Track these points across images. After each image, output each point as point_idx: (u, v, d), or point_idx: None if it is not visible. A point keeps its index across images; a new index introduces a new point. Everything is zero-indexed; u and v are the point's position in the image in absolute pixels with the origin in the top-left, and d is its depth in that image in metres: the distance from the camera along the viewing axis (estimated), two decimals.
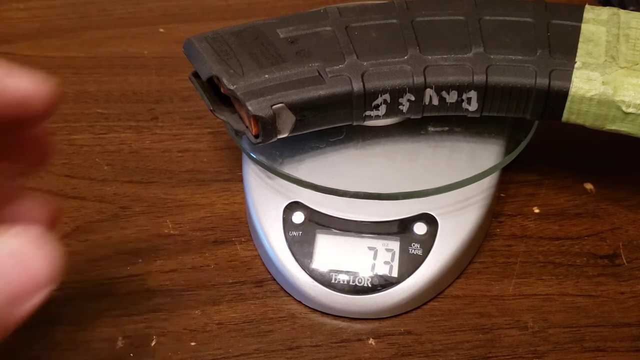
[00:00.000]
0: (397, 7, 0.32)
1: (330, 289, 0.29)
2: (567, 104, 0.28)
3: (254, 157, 0.32)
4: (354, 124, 0.30)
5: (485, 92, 0.29)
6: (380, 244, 0.30)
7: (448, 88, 0.29)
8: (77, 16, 0.46)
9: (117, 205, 0.34)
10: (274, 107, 0.28)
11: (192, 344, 0.29)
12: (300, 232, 0.30)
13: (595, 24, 0.30)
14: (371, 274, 0.29)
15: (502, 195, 0.34)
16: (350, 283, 0.29)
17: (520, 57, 0.29)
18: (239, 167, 0.35)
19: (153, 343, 0.29)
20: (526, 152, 0.32)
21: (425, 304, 0.30)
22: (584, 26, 0.30)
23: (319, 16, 0.32)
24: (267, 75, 0.29)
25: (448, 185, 0.30)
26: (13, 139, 0.21)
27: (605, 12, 0.31)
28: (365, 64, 0.29)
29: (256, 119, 0.28)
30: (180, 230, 0.33)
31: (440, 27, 0.31)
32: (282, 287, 0.31)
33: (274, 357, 0.29)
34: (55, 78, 0.20)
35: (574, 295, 0.30)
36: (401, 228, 0.30)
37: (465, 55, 0.30)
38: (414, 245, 0.30)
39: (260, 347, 0.29)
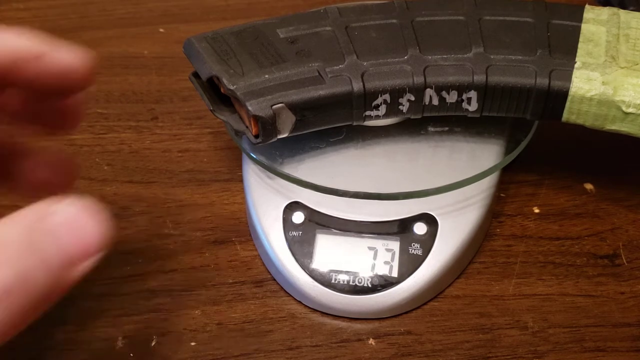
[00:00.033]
0: (397, 7, 0.32)
1: (330, 289, 0.29)
2: (567, 104, 0.28)
3: (254, 157, 0.32)
4: (354, 124, 0.30)
5: (485, 92, 0.29)
6: (380, 244, 0.30)
7: (448, 88, 0.29)
8: (77, 16, 0.46)
9: (117, 205, 0.34)
10: (274, 107, 0.28)
11: (192, 344, 0.29)
12: (300, 232, 0.30)
13: (595, 24, 0.30)
14: (371, 274, 0.29)
15: (502, 195, 0.34)
16: (350, 283, 0.29)
17: (520, 57, 0.29)
18: (239, 167, 0.35)
19: (153, 343, 0.29)
20: (526, 152, 0.32)
21: (425, 304, 0.30)
22: (584, 26, 0.30)
23: (319, 16, 0.32)
24: (267, 75, 0.29)
25: (448, 185, 0.30)
26: (50, 105, 0.23)
27: (605, 12, 0.31)
28: (365, 64, 0.29)
29: (256, 119, 0.28)
30: (180, 230, 0.33)
31: (440, 27, 0.31)
32: (282, 287, 0.31)
33: (274, 357, 0.29)
34: (92, 52, 0.22)
35: (574, 295, 0.30)
36: (401, 228, 0.30)
37: (465, 55, 0.30)
38: (414, 245, 0.30)
39: (260, 347, 0.29)
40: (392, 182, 0.31)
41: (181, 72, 0.41)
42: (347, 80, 0.29)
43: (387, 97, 0.29)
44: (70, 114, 0.24)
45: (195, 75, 0.31)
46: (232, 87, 0.28)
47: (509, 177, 0.34)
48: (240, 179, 0.34)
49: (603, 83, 0.28)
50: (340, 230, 0.30)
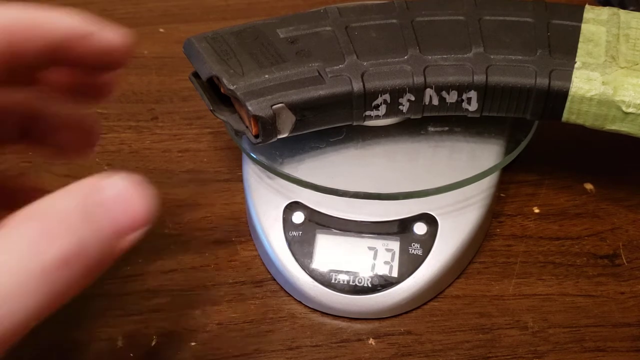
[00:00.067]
0: (397, 7, 0.32)
1: (330, 289, 0.29)
2: (567, 104, 0.28)
3: (254, 157, 0.32)
4: (354, 124, 0.30)
5: (485, 92, 0.29)
6: (380, 244, 0.30)
7: (448, 88, 0.29)
8: None
9: None
10: (274, 107, 0.28)
11: (192, 344, 0.29)
12: (300, 232, 0.30)
13: (595, 24, 0.30)
14: (371, 274, 0.29)
15: (502, 195, 0.34)
16: (350, 283, 0.29)
17: (520, 57, 0.29)
18: (239, 167, 0.35)
19: (153, 343, 0.29)
20: (526, 152, 0.32)
21: (425, 304, 0.30)
22: (584, 26, 0.30)
23: (319, 16, 0.32)
24: (267, 75, 0.29)
25: (448, 185, 0.30)
26: (89, 80, 0.25)
27: (605, 12, 0.31)
28: (365, 64, 0.29)
29: (256, 119, 0.28)
30: (180, 230, 0.33)
31: (440, 27, 0.31)
32: (282, 287, 0.31)
33: (274, 357, 0.29)
34: (130, 32, 0.23)
35: (574, 295, 0.30)
36: (401, 228, 0.30)
37: (465, 55, 0.30)
38: (414, 245, 0.30)
39: (260, 347, 0.29)
40: (392, 182, 0.31)
41: (181, 72, 0.41)
42: (347, 80, 0.29)
43: (387, 97, 0.29)
44: (105, 87, 0.25)
45: (195, 75, 0.31)
46: (232, 87, 0.28)
47: (509, 177, 0.34)
48: (240, 179, 0.34)
49: (603, 83, 0.28)
50: (340, 230, 0.30)
